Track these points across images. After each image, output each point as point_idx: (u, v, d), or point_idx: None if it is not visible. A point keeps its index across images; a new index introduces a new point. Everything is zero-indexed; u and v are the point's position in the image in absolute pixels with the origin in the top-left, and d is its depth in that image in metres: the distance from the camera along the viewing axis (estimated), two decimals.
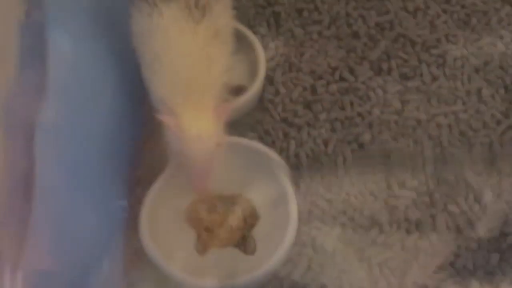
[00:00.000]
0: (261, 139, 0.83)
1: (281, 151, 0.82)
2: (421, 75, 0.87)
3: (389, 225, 0.77)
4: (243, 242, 0.74)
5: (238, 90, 0.85)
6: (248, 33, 0.88)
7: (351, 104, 0.85)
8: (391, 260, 0.73)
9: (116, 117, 0.75)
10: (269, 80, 0.87)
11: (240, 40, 0.85)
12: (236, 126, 0.80)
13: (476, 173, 0.79)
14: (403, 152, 0.82)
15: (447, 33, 0.92)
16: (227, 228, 0.74)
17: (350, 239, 0.76)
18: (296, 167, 0.80)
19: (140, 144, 0.81)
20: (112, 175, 0.73)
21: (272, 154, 0.77)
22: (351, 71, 0.88)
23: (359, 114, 0.85)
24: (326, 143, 0.82)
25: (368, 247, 0.75)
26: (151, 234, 0.71)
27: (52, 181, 0.59)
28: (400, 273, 0.73)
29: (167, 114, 0.70)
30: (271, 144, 0.82)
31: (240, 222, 0.75)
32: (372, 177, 0.79)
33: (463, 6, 0.93)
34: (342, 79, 0.88)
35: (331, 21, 0.92)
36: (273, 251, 0.66)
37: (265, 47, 0.89)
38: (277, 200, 0.75)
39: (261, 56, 0.86)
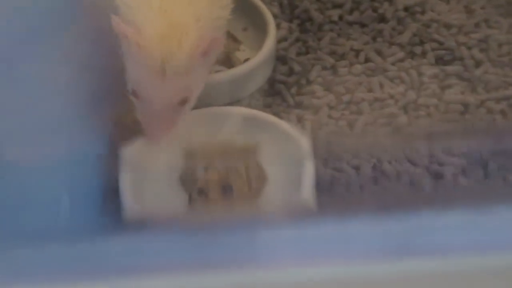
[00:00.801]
0: None
1: None
2: (461, 59, 0.67)
3: None
4: None
5: None
6: (258, 2, 0.74)
7: (381, 85, 0.65)
8: None
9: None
10: (281, 59, 0.68)
11: (249, 15, 0.73)
12: None
13: None
14: (449, 135, 0.60)
15: (486, 18, 0.76)
16: (226, 190, 0.56)
17: None
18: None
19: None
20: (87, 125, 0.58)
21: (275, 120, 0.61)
22: (379, 53, 0.68)
23: (391, 96, 0.64)
24: (352, 126, 0.61)
25: None
26: (133, 194, 0.54)
27: None
28: None
29: (129, 28, 0.51)
30: None
31: (243, 185, 0.56)
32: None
33: None
34: (368, 60, 0.68)
35: (354, 5, 0.72)
36: None
37: (277, 26, 0.70)
38: (291, 165, 0.57)
39: (271, 25, 0.70)
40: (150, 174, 0.59)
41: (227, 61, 0.69)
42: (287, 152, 0.57)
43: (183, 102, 0.53)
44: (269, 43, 0.67)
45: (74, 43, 0.61)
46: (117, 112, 0.68)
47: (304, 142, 0.56)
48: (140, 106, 0.54)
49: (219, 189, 0.56)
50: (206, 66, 0.55)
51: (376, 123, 0.65)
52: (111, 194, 0.56)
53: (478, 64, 0.72)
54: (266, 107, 0.68)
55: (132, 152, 0.57)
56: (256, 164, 0.58)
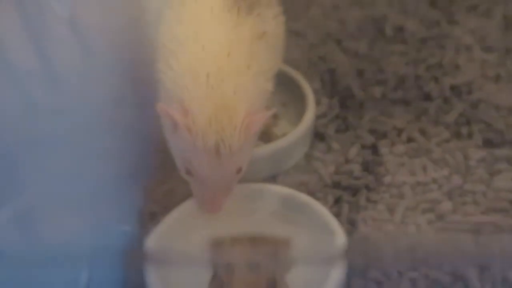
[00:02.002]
0: None
1: None
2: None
3: None
4: None
5: None
6: (299, 77, 0.68)
7: (424, 168, 0.56)
8: None
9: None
10: (319, 136, 0.61)
11: (289, 91, 0.67)
12: None
13: None
14: (498, 227, 0.51)
15: None
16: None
17: None
18: (349, 236, 0.50)
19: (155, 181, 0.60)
20: (116, 198, 0.55)
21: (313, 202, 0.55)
22: (423, 133, 0.60)
23: (435, 181, 0.55)
24: (392, 211, 0.52)
25: None
26: (158, 270, 0.49)
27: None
28: None
29: (177, 113, 0.48)
30: None
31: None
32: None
33: None
34: (411, 139, 0.59)
35: (398, 83, 0.64)
36: None
37: (317, 102, 0.63)
38: (320, 262, 0.51)
39: (310, 101, 0.64)
40: (177, 267, 0.52)
41: (265, 136, 0.61)
42: (319, 246, 0.49)
43: (238, 171, 0.50)
44: (308, 119, 0.60)
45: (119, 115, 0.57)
46: (149, 185, 0.61)
47: (340, 236, 0.48)
48: (196, 183, 0.51)
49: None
50: (254, 137, 0.52)
51: (418, 209, 0.55)
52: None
53: None
54: (302, 185, 0.60)
55: (162, 232, 0.52)
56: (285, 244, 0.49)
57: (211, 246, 0.51)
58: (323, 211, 0.52)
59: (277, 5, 0.57)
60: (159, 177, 0.61)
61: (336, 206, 0.58)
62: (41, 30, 0.56)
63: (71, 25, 0.59)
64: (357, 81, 0.70)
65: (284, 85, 0.67)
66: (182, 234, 0.54)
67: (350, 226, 0.56)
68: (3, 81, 0.54)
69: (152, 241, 0.52)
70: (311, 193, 0.60)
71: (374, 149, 0.64)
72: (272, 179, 0.61)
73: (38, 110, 0.55)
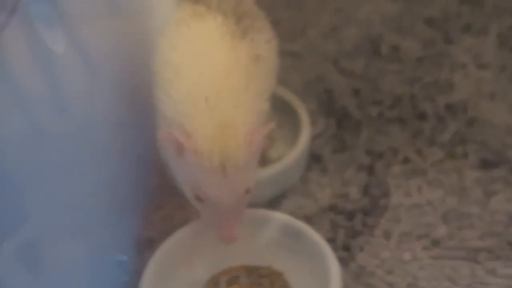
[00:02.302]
0: None
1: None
2: (509, 162, 0.57)
3: None
4: None
5: None
6: (293, 99, 0.67)
7: (419, 189, 0.55)
8: None
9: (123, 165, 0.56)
10: (315, 158, 0.60)
11: (284, 113, 0.66)
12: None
13: None
14: (494, 253, 0.50)
15: None
16: None
17: None
18: (345, 263, 0.49)
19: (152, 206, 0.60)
20: (113, 226, 0.54)
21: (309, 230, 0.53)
22: (419, 153, 0.59)
23: (430, 202, 0.54)
24: (388, 236, 0.51)
25: None
26: None
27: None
28: None
29: (181, 136, 0.47)
30: None
31: None
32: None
33: None
34: (406, 160, 0.58)
35: (394, 102, 0.63)
36: None
37: (313, 123, 0.62)
38: (317, 278, 0.51)
39: (305, 123, 0.64)
40: (175, 278, 0.53)
41: (261, 159, 0.60)
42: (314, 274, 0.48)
43: (247, 192, 0.49)
44: (303, 142, 0.60)
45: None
46: (147, 211, 0.60)
47: (334, 267, 0.47)
48: (206, 210, 0.49)
49: None
50: (257, 153, 0.50)
51: (413, 234, 0.54)
52: None
53: None
54: (298, 208, 0.59)
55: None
56: (281, 279, 0.49)
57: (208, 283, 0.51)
58: (319, 240, 0.52)
59: (269, 30, 0.56)
60: (156, 203, 0.60)
61: (332, 231, 0.57)
62: (47, 55, 0.55)
63: (78, 51, 0.58)
64: (353, 100, 0.70)
65: (280, 107, 0.66)
66: (181, 261, 0.54)
67: (345, 252, 0.55)
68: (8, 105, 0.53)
69: (150, 275, 0.51)
70: (307, 217, 0.59)
71: (371, 170, 0.63)
72: (269, 203, 0.61)
73: (43, 135, 0.54)
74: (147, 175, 0.60)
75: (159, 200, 0.60)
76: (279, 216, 0.55)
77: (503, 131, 0.66)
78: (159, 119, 0.51)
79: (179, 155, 0.48)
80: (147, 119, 0.55)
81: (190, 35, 0.52)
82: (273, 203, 0.61)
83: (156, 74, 0.52)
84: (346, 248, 0.56)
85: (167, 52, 0.52)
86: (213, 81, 0.48)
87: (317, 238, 0.52)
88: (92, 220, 0.53)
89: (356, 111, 0.68)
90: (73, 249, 0.51)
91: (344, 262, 0.54)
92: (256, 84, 0.50)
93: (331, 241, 0.57)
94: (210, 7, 0.53)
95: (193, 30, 0.51)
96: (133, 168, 0.59)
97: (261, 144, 0.50)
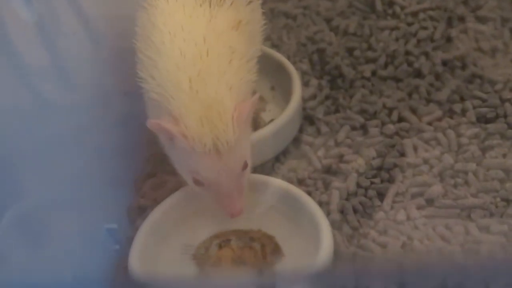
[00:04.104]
0: None
1: (320, 205, 0.55)
2: (505, 116, 0.55)
3: None
4: None
5: None
6: (284, 60, 0.65)
7: (415, 148, 0.54)
8: None
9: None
10: (309, 119, 0.58)
11: (276, 75, 0.65)
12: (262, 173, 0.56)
13: None
14: (488, 210, 0.48)
15: None
16: (239, 265, 0.49)
17: None
18: (338, 226, 0.48)
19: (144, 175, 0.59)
20: (105, 196, 0.54)
21: (303, 196, 0.53)
22: (414, 111, 0.57)
23: (426, 161, 0.52)
24: (382, 197, 0.50)
25: None
26: (145, 273, 0.48)
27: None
28: None
29: (169, 122, 0.46)
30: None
31: (258, 259, 0.50)
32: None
33: None
34: (401, 119, 0.56)
35: (388, 60, 0.61)
36: None
37: (306, 84, 0.60)
38: (309, 243, 0.50)
39: (297, 85, 0.62)
40: (166, 243, 0.52)
41: (252, 123, 0.59)
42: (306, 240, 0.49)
43: (245, 166, 0.48)
44: (293, 104, 0.58)
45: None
46: (138, 179, 0.59)
47: (327, 234, 0.49)
48: (208, 191, 0.49)
49: (231, 264, 0.48)
50: (247, 126, 0.50)
51: (408, 194, 0.53)
52: None
53: None
54: (291, 171, 0.57)
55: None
56: (272, 243, 0.48)
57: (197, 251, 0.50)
58: (312, 206, 0.51)
59: None
60: (148, 171, 0.59)
61: (326, 193, 0.56)
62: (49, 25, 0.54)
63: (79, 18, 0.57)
64: (346, 60, 0.68)
65: (271, 68, 0.65)
66: (172, 226, 0.54)
67: (340, 213, 0.54)
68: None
69: (136, 247, 0.50)
70: (301, 180, 0.58)
71: (364, 130, 0.62)
72: (262, 166, 0.60)
73: (46, 107, 0.53)
74: (139, 145, 0.59)
75: (150, 169, 0.59)
76: (273, 181, 0.54)
77: (502, 86, 0.64)
78: (145, 99, 0.50)
79: (170, 141, 0.48)
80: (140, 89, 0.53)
81: (168, 10, 0.49)
82: (267, 166, 0.59)
83: (138, 51, 0.50)
84: (340, 210, 0.55)
85: (147, 28, 0.50)
86: (194, 60, 0.47)
87: (311, 204, 0.51)
88: (84, 191, 0.52)
89: (350, 70, 0.67)
90: (66, 220, 0.50)
91: (337, 224, 0.53)
92: (240, 54, 0.48)
93: (325, 203, 0.56)
94: None
95: (171, 4, 0.49)
96: (125, 138, 0.58)
97: (250, 117, 0.48)
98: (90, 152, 0.54)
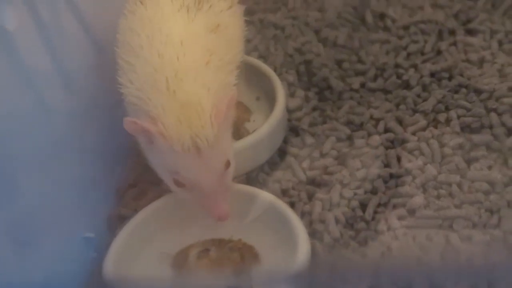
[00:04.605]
0: None
1: (302, 216, 0.55)
2: (491, 127, 0.55)
3: None
4: None
5: None
6: (269, 71, 0.65)
7: (398, 159, 0.54)
8: None
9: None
10: (294, 130, 0.58)
11: (261, 84, 0.65)
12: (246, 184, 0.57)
13: None
14: (471, 222, 0.48)
15: None
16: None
17: None
18: (320, 237, 0.48)
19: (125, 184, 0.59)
20: (84, 205, 0.53)
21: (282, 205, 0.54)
22: (400, 122, 0.57)
23: (408, 172, 0.52)
24: (364, 207, 0.50)
25: None
26: (118, 277, 0.48)
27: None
28: None
29: (147, 123, 0.46)
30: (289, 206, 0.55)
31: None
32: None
33: None
34: (387, 130, 0.56)
35: (378, 72, 0.61)
36: None
37: (292, 95, 0.61)
38: (287, 252, 0.50)
39: (280, 96, 0.62)
40: (144, 250, 0.52)
41: (236, 133, 0.60)
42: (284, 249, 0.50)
43: (227, 165, 0.48)
44: (276, 116, 0.58)
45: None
46: (120, 188, 0.60)
47: (303, 242, 0.50)
48: (190, 193, 0.48)
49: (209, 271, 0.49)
50: (227, 125, 0.49)
51: (389, 204, 0.53)
52: None
53: (510, 132, 0.58)
54: (276, 182, 0.58)
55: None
56: (252, 253, 0.48)
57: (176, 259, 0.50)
58: (290, 215, 0.52)
59: None
60: (129, 181, 0.60)
61: (309, 203, 0.56)
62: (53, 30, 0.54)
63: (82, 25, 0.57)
64: (335, 72, 0.68)
65: (257, 79, 0.65)
66: (150, 235, 0.54)
67: (322, 224, 0.54)
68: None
69: (112, 255, 0.50)
70: (285, 191, 0.58)
71: (351, 141, 0.62)
72: (246, 176, 0.60)
73: (48, 112, 0.54)
74: (121, 154, 0.59)
75: (132, 178, 0.60)
76: (253, 191, 0.54)
77: (487, 95, 0.64)
78: (125, 104, 0.50)
79: (149, 142, 0.47)
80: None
81: (147, 16, 0.50)
82: (251, 176, 0.59)
83: (118, 57, 0.51)
84: (322, 220, 0.55)
85: (126, 34, 0.50)
86: (171, 61, 0.47)
87: (291, 215, 0.51)
88: (65, 198, 0.53)
89: (338, 83, 0.67)
90: (44, 226, 0.50)
91: (319, 234, 0.53)
92: (218, 56, 0.48)
93: (307, 213, 0.56)
94: None
95: (150, 10, 0.50)
96: (107, 146, 0.58)
97: (228, 114, 0.48)
98: (73, 159, 0.54)
